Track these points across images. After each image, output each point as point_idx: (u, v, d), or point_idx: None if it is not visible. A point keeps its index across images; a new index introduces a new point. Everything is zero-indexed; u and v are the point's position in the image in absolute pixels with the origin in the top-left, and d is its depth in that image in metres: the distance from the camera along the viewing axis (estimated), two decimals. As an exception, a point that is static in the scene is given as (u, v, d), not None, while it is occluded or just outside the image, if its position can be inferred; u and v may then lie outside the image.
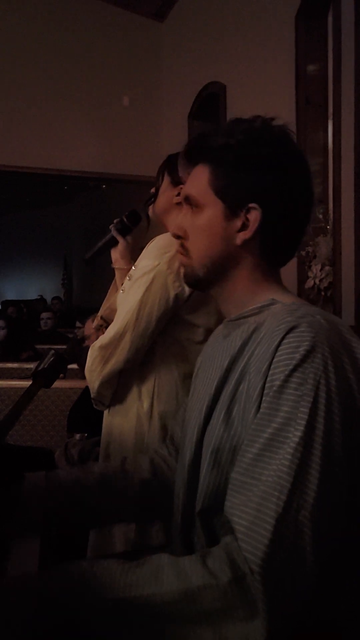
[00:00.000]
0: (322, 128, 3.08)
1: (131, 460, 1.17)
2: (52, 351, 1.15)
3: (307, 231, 1.00)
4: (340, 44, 2.67)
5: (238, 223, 0.93)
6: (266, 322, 0.89)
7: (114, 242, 1.71)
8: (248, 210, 0.93)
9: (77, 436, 2.70)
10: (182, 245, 0.99)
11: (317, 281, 2.83)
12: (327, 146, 3.02)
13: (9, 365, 4.43)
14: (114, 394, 1.60)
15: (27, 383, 1.12)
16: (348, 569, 0.81)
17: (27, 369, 4.14)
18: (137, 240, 1.73)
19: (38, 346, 5.60)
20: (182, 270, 1.02)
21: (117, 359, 1.51)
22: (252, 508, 0.75)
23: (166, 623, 0.71)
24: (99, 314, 1.83)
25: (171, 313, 1.50)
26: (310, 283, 2.86)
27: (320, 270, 2.81)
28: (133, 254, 1.70)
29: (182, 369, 1.54)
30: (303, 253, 2.94)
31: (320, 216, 2.93)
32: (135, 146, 5.22)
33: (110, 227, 1.72)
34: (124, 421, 1.58)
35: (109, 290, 1.81)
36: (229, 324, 0.99)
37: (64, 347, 5.12)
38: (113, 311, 1.74)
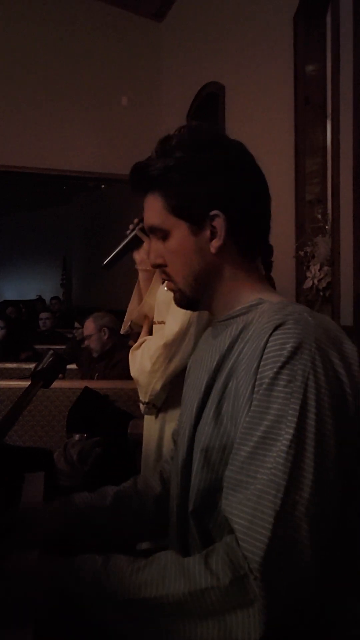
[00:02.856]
0: (321, 128, 3.08)
1: (142, 480, 1.18)
2: (51, 351, 1.15)
3: (270, 211, 1.01)
4: (338, 44, 2.67)
5: (207, 234, 0.95)
6: (254, 321, 0.90)
7: (136, 243, 1.68)
8: (212, 219, 0.94)
9: (77, 436, 2.71)
10: (164, 272, 1.00)
11: (315, 281, 2.83)
12: (326, 146, 3.02)
13: (8, 365, 4.44)
14: (166, 400, 1.57)
15: (26, 383, 1.12)
16: (343, 561, 0.82)
17: (26, 369, 4.15)
18: None
19: (37, 346, 5.61)
20: (174, 297, 1.03)
21: (183, 354, 1.48)
22: (250, 507, 0.76)
23: (173, 621, 0.76)
24: (127, 319, 1.77)
25: None
26: (308, 283, 2.86)
27: (319, 270, 2.81)
28: None
29: None
30: (301, 253, 2.94)
31: (319, 216, 2.93)
32: (135, 146, 5.22)
33: (131, 227, 1.68)
34: None
35: (133, 295, 1.76)
36: (217, 325, 1.01)
37: (63, 347, 5.13)
38: (142, 315, 1.70)
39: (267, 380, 0.81)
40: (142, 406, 1.61)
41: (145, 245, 1.67)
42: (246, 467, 0.79)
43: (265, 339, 0.83)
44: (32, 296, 11.93)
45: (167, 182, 0.94)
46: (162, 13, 5.34)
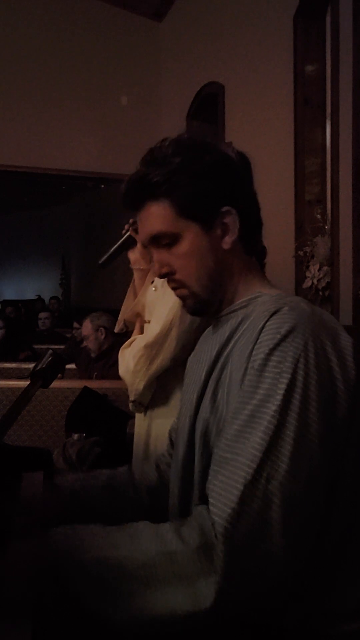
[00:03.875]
0: (320, 128, 3.08)
1: (138, 469, 1.19)
2: (50, 351, 1.15)
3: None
4: (338, 45, 2.67)
5: (218, 231, 0.96)
6: (253, 313, 0.92)
7: (131, 243, 1.70)
8: (223, 215, 0.95)
9: (75, 436, 2.70)
10: (174, 280, 1.00)
11: (315, 281, 2.83)
12: (325, 146, 3.02)
13: (7, 365, 4.44)
14: (153, 397, 1.59)
15: (25, 383, 1.12)
16: (338, 552, 0.82)
17: (25, 369, 4.15)
18: None
19: (36, 346, 5.61)
20: (186, 304, 1.02)
21: (164, 356, 1.50)
22: (225, 475, 0.78)
23: (138, 583, 0.75)
24: (121, 317, 1.80)
25: None
26: (308, 283, 2.87)
27: (318, 270, 2.81)
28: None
29: None
30: (301, 253, 2.94)
31: (319, 216, 2.93)
32: (134, 146, 5.18)
33: (126, 227, 1.70)
34: (168, 423, 1.56)
35: (127, 294, 1.78)
36: (219, 319, 1.02)
37: (62, 347, 5.13)
38: (136, 314, 1.72)
39: (258, 362, 0.82)
40: (130, 404, 1.63)
41: (139, 245, 1.69)
42: (232, 444, 0.80)
43: (261, 325, 0.85)
44: (31, 296, 11.92)
45: (172, 186, 0.94)
46: (162, 13, 5.34)
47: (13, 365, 4.48)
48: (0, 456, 1.46)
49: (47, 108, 5.23)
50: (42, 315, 6.84)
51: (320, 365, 0.81)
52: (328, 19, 2.97)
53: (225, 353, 0.93)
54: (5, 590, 0.75)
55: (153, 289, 1.61)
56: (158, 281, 1.59)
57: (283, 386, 0.78)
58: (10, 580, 0.77)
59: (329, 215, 2.84)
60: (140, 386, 1.55)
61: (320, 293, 2.83)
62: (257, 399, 0.80)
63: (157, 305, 1.56)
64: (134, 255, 1.71)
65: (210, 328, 1.08)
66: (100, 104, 5.38)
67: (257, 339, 0.84)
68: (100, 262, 1.73)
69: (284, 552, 0.74)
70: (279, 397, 0.78)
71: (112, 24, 5.38)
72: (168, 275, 1.00)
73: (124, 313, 1.77)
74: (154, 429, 1.60)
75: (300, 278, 2.97)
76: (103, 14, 5.37)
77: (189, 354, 1.52)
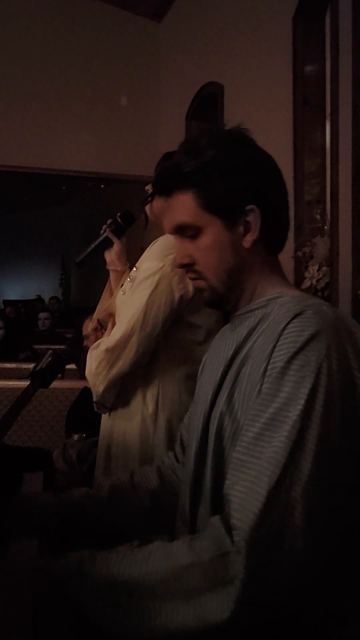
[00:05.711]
0: (320, 128, 3.08)
1: (139, 473, 1.18)
2: (50, 351, 1.15)
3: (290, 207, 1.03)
4: (337, 45, 2.67)
5: (240, 229, 0.96)
6: (273, 313, 0.92)
7: (108, 244, 1.72)
8: (246, 214, 0.95)
9: (75, 436, 2.70)
10: (194, 271, 1.00)
11: (314, 282, 2.83)
12: (325, 146, 3.03)
13: (7, 365, 4.43)
14: (116, 398, 1.60)
15: (25, 383, 1.12)
16: (351, 559, 0.81)
17: (25, 369, 4.14)
18: (130, 241, 1.74)
19: (36, 346, 5.61)
20: (202, 296, 1.02)
21: (124, 361, 1.51)
22: (248, 481, 0.77)
23: (152, 601, 0.75)
24: (95, 317, 1.83)
25: (175, 314, 1.50)
26: (307, 284, 2.87)
27: (318, 270, 2.81)
28: (127, 255, 1.71)
29: (184, 370, 1.54)
30: (300, 254, 2.95)
31: (318, 216, 2.94)
32: (133, 146, 5.22)
33: (104, 227, 1.72)
34: (127, 425, 1.58)
35: (103, 293, 1.80)
36: (236, 318, 1.02)
37: (62, 347, 5.13)
38: (109, 314, 1.75)
39: (280, 365, 0.81)
40: (94, 405, 1.64)
41: (115, 246, 1.70)
42: (252, 447, 0.79)
43: (282, 326, 0.84)
44: (31, 296, 11.92)
45: (202, 179, 0.94)
46: (161, 13, 5.34)
47: (13, 365, 4.48)
48: (0, 456, 1.46)
49: (47, 108, 5.23)
50: (42, 315, 6.84)
51: (342, 371, 0.80)
52: (327, 19, 2.97)
53: (243, 352, 0.92)
54: (6, 601, 0.76)
55: (122, 292, 1.63)
56: (127, 285, 1.59)
57: (306, 390, 0.78)
58: (12, 592, 0.77)
59: (329, 215, 2.84)
60: (100, 389, 1.56)
61: (320, 294, 2.83)
62: (279, 402, 0.79)
63: (123, 309, 1.57)
64: (110, 256, 1.73)
65: (227, 326, 1.08)
66: (100, 104, 5.38)
67: (278, 341, 0.84)
68: (77, 260, 1.75)
69: (306, 559, 0.74)
70: (302, 402, 0.77)
71: (112, 24, 5.38)
72: (188, 266, 1.00)
73: (99, 313, 1.79)
74: (116, 430, 1.61)
75: (299, 279, 2.97)
76: (103, 14, 5.37)
77: (151, 360, 1.54)
